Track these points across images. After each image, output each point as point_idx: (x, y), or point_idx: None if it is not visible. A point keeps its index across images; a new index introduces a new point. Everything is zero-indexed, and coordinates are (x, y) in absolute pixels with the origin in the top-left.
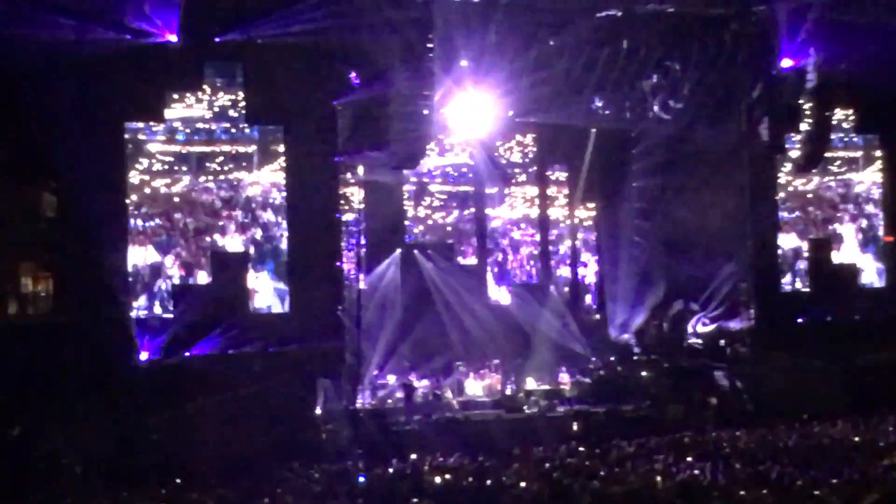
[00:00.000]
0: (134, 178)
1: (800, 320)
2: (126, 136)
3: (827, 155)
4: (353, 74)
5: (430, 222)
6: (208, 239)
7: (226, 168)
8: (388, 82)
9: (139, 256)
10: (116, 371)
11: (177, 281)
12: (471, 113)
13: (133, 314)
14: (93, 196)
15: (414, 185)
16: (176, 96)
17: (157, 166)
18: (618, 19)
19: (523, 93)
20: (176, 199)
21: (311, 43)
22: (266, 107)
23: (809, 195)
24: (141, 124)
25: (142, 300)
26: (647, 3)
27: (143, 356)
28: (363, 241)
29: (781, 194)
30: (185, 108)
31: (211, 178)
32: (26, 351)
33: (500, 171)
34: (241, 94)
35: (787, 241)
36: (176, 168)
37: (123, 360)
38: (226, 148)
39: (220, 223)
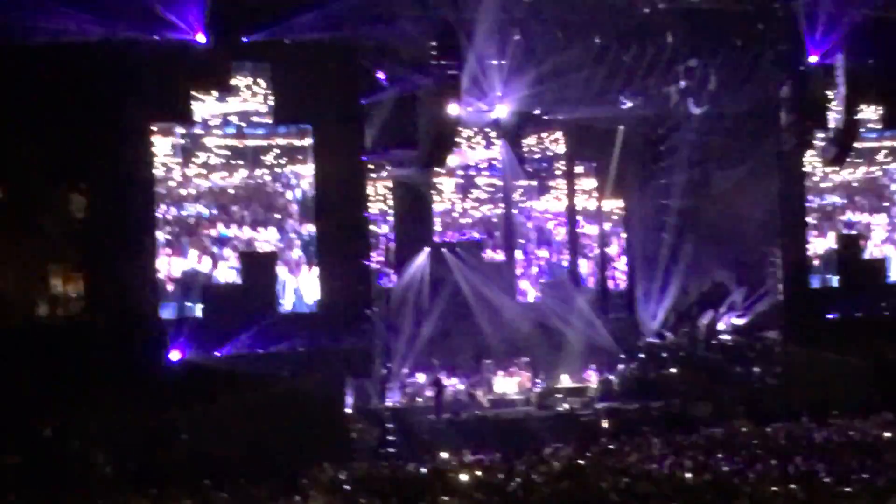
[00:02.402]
0: (191, 171)
1: (830, 316)
2: (182, 130)
3: (874, 145)
4: (380, 73)
5: (478, 215)
6: (264, 231)
7: (281, 161)
8: (416, 81)
9: (193, 254)
10: (147, 371)
11: (231, 277)
12: (497, 110)
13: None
14: (122, 196)
15: (461, 178)
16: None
17: (213, 160)
18: (644, 17)
19: (550, 91)
20: (232, 192)
21: (338, 42)
22: (294, 106)
23: (856, 184)
24: (199, 119)
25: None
26: (672, 0)
27: (174, 356)
28: (392, 240)
29: (828, 184)
30: (241, 102)
31: (267, 171)
32: (57, 352)
33: (526, 167)
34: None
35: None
36: (233, 162)
37: (154, 360)
38: (281, 141)
39: (278, 216)
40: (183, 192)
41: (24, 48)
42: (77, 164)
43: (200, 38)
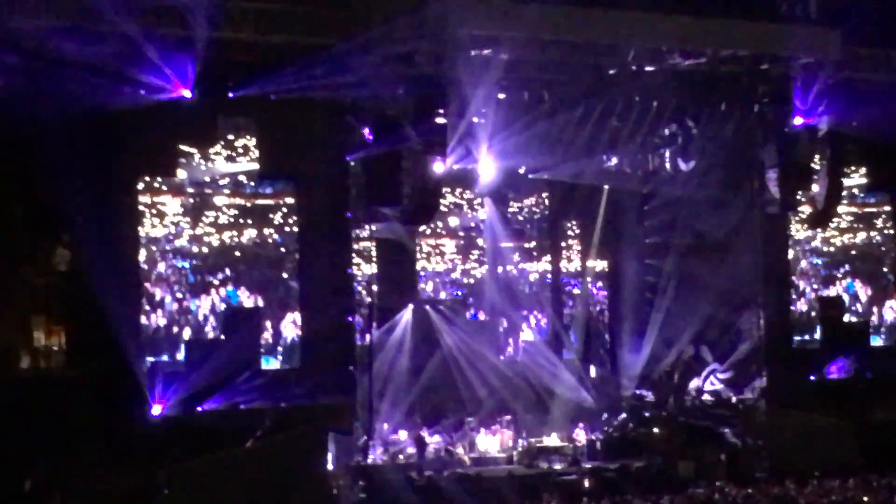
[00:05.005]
0: (200, 230)
1: (812, 377)
2: (191, 189)
3: (873, 210)
4: (365, 130)
5: (478, 275)
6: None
7: (290, 221)
8: (401, 138)
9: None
10: (128, 425)
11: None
12: (482, 169)
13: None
14: (106, 249)
15: (462, 238)
16: (240, 149)
17: (222, 219)
18: (630, 76)
19: (535, 149)
20: (240, 252)
21: (324, 98)
22: (278, 162)
23: (855, 251)
24: (208, 179)
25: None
26: (660, 61)
27: (156, 410)
28: (375, 296)
29: (830, 249)
30: (248, 162)
31: (275, 230)
32: (38, 404)
33: (512, 226)
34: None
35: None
36: (241, 221)
37: (135, 414)
38: (290, 200)
39: (284, 275)
40: (195, 249)
41: (8, 100)
42: (62, 216)
43: (186, 93)
